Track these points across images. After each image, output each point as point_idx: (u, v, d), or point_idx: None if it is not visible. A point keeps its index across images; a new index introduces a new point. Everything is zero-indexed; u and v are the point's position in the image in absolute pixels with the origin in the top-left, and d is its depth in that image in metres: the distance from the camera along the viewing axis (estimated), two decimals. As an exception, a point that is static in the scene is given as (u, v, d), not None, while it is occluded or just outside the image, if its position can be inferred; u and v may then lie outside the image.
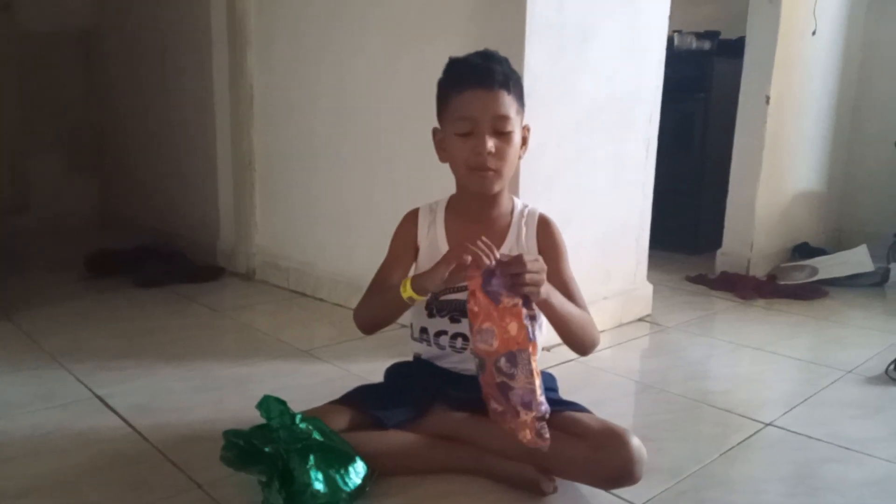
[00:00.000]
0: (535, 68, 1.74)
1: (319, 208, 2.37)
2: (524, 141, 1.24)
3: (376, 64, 2.09)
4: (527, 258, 1.07)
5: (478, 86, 1.16)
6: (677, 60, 2.72)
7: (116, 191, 3.62)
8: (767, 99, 2.72)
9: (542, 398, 1.09)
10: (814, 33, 2.87)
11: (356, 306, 1.30)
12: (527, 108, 1.72)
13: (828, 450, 1.37)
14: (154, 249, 2.79)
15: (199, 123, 2.80)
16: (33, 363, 1.73)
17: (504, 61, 1.20)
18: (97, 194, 3.71)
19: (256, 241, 2.64)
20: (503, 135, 1.17)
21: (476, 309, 1.11)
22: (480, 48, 1.25)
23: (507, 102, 1.17)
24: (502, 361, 1.09)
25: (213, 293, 2.45)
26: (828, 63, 3.08)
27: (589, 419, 1.17)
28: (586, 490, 1.16)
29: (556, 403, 1.23)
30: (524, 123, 1.24)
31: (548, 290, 1.12)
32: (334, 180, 2.30)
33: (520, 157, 1.24)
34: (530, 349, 1.08)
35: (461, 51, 1.24)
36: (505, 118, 1.17)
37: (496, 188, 1.22)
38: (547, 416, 1.10)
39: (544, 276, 1.09)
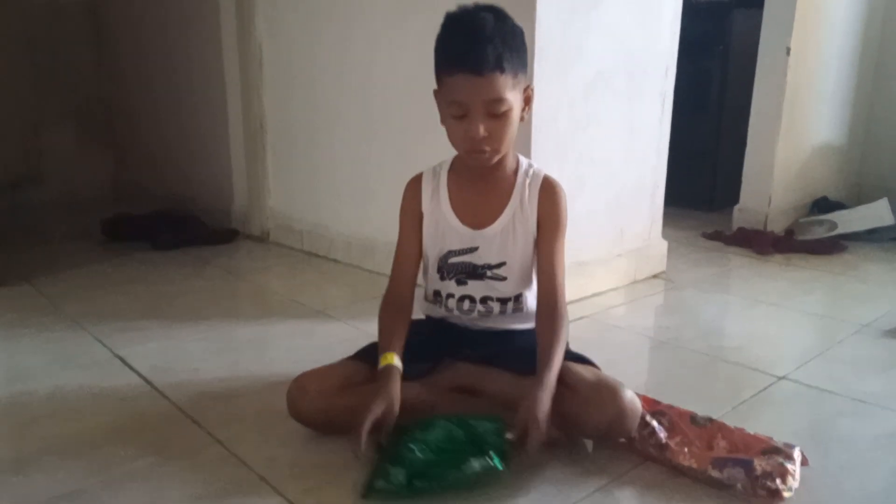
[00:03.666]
0: (546, 30, 1.70)
1: (332, 169, 2.37)
2: (527, 101, 1.18)
3: (385, 24, 2.06)
4: (535, 433, 1.03)
5: (468, 71, 1.10)
6: (694, 13, 2.64)
7: (130, 160, 3.62)
8: (788, 51, 2.65)
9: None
10: (837, -19, 2.79)
11: (382, 302, 1.28)
12: (538, 72, 1.72)
13: (842, 403, 1.37)
14: (169, 214, 2.81)
15: (210, 88, 2.79)
16: (54, 326, 1.76)
17: (499, 31, 1.11)
18: (111, 164, 3.71)
19: (270, 203, 2.65)
20: (497, 115, 1.12)
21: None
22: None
23: (500, 83, 1.10)
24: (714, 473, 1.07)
25: (228, 256, 2.47)
26: (851, 13, 2.99)
27: (585, 371, 1.16)
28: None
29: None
30: (526, 84, 1.18)
31: (544, 407, 1.07)
32: (346, 141, 2.29)
33: (522, 119, 1.19)
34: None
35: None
36: (497, 101, 1.11)
37: (495, 161, 1.19)
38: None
39: (539, 426, 1.04)
